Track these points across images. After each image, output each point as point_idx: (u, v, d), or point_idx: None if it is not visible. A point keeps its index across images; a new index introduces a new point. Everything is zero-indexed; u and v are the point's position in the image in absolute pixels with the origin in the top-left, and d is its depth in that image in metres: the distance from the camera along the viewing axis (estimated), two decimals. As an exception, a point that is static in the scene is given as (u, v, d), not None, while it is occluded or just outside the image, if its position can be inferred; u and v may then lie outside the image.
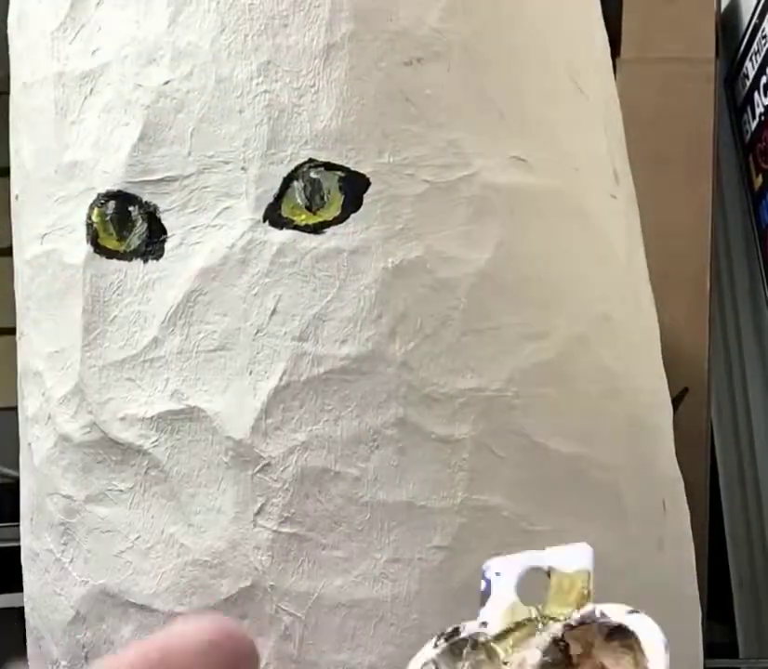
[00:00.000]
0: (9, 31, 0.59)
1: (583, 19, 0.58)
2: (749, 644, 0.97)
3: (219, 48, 0.49)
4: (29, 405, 0.55)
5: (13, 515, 0.59)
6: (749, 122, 1.01)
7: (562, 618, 0.29)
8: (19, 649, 0.58)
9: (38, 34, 0.55)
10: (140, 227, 0.51)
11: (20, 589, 0.58)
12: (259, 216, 0.49)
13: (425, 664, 0.30)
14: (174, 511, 0.49)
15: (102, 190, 0.52)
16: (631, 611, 0.28)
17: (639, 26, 0.97)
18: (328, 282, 0.48)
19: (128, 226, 0.51)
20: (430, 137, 0.49)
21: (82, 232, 0.52)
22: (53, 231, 0.54)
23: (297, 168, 0.48)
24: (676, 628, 0.54)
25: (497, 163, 0.50)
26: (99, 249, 0.52)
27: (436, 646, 0.30)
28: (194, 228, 0.50)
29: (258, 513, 0.48)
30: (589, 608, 0.29)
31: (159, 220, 0.50)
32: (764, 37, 0.97)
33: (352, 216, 0.48)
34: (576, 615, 0.28)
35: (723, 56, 1.03)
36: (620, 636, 0.28)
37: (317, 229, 0.48)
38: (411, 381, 0.48)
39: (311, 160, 0.48)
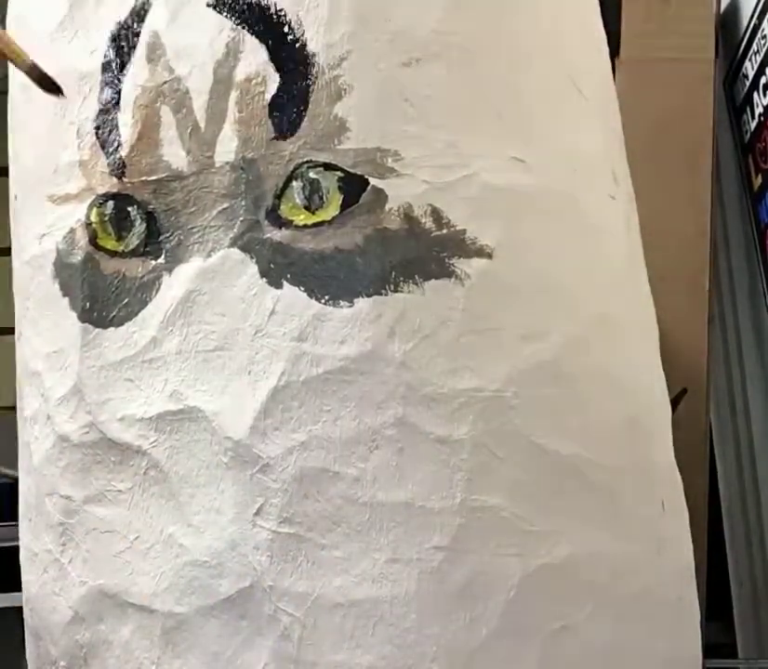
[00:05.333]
0: (8, 31, 0.59)
1: (582, 20, 0.58)
2: (748, 644, 0.97)
3: (218, 48, 0.49)
4: (27, 405, 0.55)
5: (12, 515, 0.59)
6: (749, 122, 1.01)
7: None
8: (19, 649, 0.58)
9: (37, 35, 0.55)
10: (139, 227, 0.51)
11: (20, 589, 0.58)
12: (258, 216, 0.49)
13: None
14: (173, 511, 0.49)
15: (101, 191, 0.52)
16: None
17: (638, 26, 0.97)
18: (327, 282, 0.48)
19: (127, 226, 0.51)
20: (429, 138, 0.49)
21: (81, 233, 0.52)
22: (52, 232, 0.54)
23: (296, 168, 0.48)
24: (675, 628, 0.54)
25: (496, 164, 0.50)
26: (98, 249, 0.52)
27: None
28: (193, 228, 0.50)
29: (257, 513, 0.48)
30: None
31: (158, 220, 0.50)
32: (764, 37, 0.97)
33: (351, 216, 0.48)
34: None
35: (723, 56, 1.03)
36: None
37: (316, 228, 0.48)
38: (410, 381, 0.48)
39: (309, 160, 0.48)
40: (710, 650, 0.64)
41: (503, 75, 0.51)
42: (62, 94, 0.51)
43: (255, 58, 0.49)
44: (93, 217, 0.52)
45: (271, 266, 0.48)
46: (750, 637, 0.97)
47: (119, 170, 0.51)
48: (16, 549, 0.58)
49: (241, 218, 0.49)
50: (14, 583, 0.59)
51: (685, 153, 0.94)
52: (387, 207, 0.48)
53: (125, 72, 0.51)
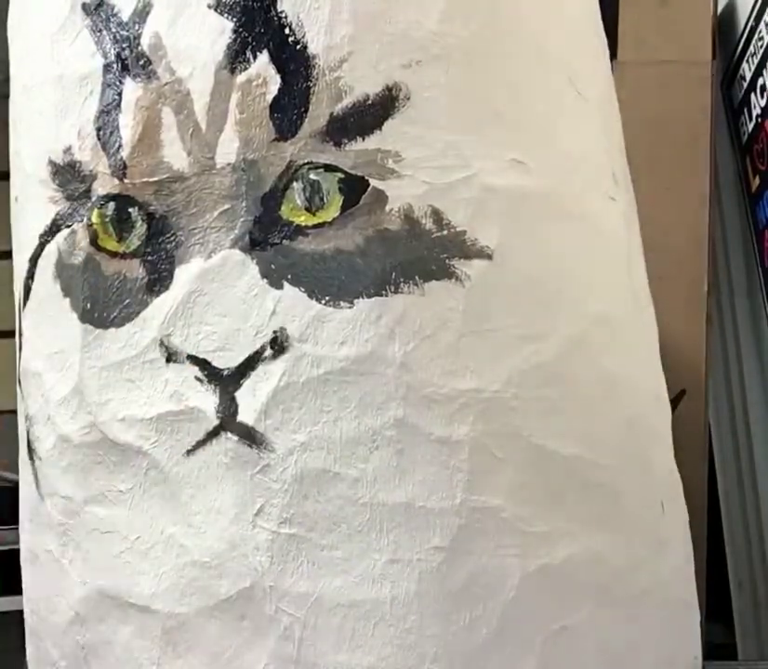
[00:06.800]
0: (9, 33, 0.59)
1: (582, 22, 0.58)
2: (748, 645, 0.97)
3: (219, 50, 0.50)
4: (28, 406, 0.55)
5: (13, 518, 0.59)
6: (746, 123, 1.01)
7: None
8: (19, 651, 0.58)
9: (38, 37, 0.55)
10: (140, 228, 0.51)
11: (20, 592, 0.58)
12: (259, 217, 0.49)
13: None
14: (173, 512, 0.49)
15: (102, 192, 0.52)
16: None
17: (635, 29, 0.97)
18: (328, 283, 0.48)
19: (128, 227, 0.51)
20: (429, 139, 0.49)
21: (82, 233, 0.52)
22: (53, 233, 0.54)
23: (296, 170, 0.49)
24: (675, 629, 0.54)
25: (496, 165, 0.50)
26: (99, 250, 0.52)
27: None
28: (194, 229, 0.50)
29: (257, 514, 0.48)
30: None
31: (159, 221, 0.50)
32: (761, 39, 0.97)
33: (352, 217, 0.48)
34: None
35: (720, 58, 1.03)
36: None
37: (316, 229, 0.48)
38: (410, 382, 0.48)
39: (310, 161, 0.49)
40: (711, 651, 0.64)
41: (503, 77, 0.51)
42: None
43: (256, 59, 0.49)
44: (94, 218, 0.52)
45: (272, 267, 0.49)
46: (750, 638, 0.97)
47: (120, 171, 0.51)
48: (16, 552, 0.58)
49: (242, 219, 0.49)
50: (15, 586, 0.59)
51: (683, 155, 0.94)
52: (387, 208, 0.48)
53: (126, 73, 0.51)
